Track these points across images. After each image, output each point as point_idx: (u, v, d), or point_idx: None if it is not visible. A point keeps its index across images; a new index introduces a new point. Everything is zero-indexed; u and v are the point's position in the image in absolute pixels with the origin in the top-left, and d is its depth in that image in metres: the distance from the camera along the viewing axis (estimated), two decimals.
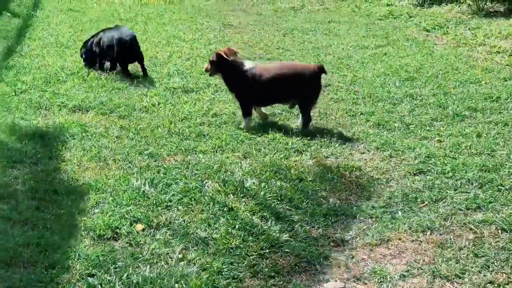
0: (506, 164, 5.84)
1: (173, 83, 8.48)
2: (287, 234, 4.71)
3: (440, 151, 6.19)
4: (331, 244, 4.67)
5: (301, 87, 6.82)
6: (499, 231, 4.75)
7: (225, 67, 6.87)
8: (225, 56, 6.82)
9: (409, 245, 4.62)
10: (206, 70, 7.13)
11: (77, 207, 5.01)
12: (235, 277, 4.18)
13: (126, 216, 4.85)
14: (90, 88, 8.19)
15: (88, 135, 6.55)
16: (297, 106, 7.02)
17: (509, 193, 5.30)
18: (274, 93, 6.91)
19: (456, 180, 5.56)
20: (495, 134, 6.60)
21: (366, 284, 4.18)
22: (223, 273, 4.20)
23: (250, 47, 10.77)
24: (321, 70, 6.87)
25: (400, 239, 4.70)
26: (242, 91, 6.90)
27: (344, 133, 6.74)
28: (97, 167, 5.80)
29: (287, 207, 5.13)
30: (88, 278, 4.07)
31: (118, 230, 4.66)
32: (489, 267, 4.30)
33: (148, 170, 5.70)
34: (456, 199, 5.24)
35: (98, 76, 8.72)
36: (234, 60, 6.90)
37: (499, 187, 5.41)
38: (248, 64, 6.96)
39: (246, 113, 6.91)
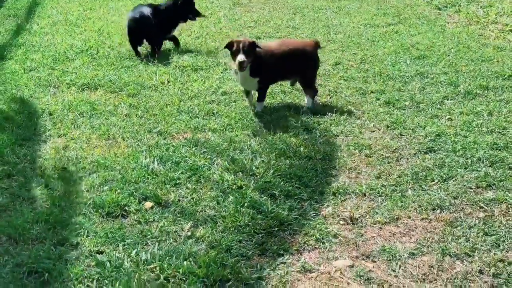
0: None
1: (182, 61, 8.43)
2: (296, 212, 4.70)
3: (450, 129, 6.14)
4: (341, 222, 4.65)
5: (305, 61, 6.84)
6: (510, 209, 4.72)
7: (254, 54, 6.42)
8: (256, 41, 6.54)
9: (419, 223, 4.60)
10: (243, 67, 6.36)
11: (86, 185, 5.01)
12: (244, 254, 4.18)
13: (135, 193, 4.85)
14: (99, 66, 8.17)
15: (97, 113, 6.54)
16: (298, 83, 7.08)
17: None
18: (284, 71, 6.84)
19: (467, 159, 5.52)
20: (507, 112, 6.56)
21: (375, 262, 4.17)
22: (232, 250, 4.20)
23: (260, 26, 10.71)
24: (317, 45, 6.97)
25: (409, 217, 4.68)
26: (265, 74, 6.61)
27: (354, 112, 6.69)
28: (106, 145, 5.79)
29: (296, 185, 5.11)
30: (97, 255, 4.08)
31: (127, 208, 4.66)
32: (499, 246, 4.28)
33: (157, 148, 5.69)
34: (466, 177, 5.21)
35: (107, 54, 8.69)
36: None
37: (510, 165, 5.37)
38: (262, 46, 6.70)
39: (264, 97, 6.76)
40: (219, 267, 3.96)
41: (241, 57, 6.28)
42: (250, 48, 6.34)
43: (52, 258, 4.03)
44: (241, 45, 6.31)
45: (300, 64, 6.80)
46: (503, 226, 4.51)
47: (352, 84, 7.59)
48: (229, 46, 6.49)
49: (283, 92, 7.32)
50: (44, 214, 4.52)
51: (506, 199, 4.83)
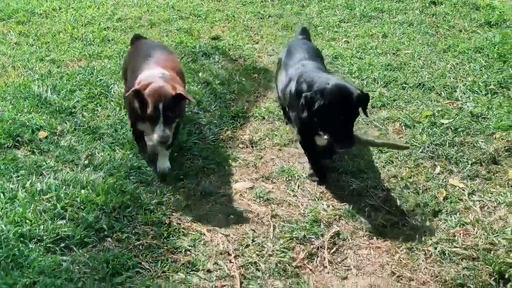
0: (410, 63, 5.95)
1: None
2: (196, 137, 4.68)
3: (347, 51, 6.23)
4: (240, 145, 4.67)
5: None
6: (403, 127, 4.86)
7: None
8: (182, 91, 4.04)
9: None
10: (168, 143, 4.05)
11: None
12: (143, 181, 4.14)
13: (27, 124, 4.67)
14: None
15: None
16: None
17: (412, 90, 5.42)
18: None
19: (363, 80, 5.63)
20: (400, 34, 6.70)
21: (274, 183, 4.23)
22: (131, 177, 4.15)
23: None
24: None
25: None
26: None
27: (253, 36, 6.67)
28: None
29: (195, 110, 5.07)
30: None
31: (19, 138, 4.49)
32: (393, 162, 4.41)
33: (50, 77, 5.49)
34: None
35: None
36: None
37: (403, 85, 5.52)
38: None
39: None
40: (118, 194, 3.91)
41: (162, 131, 3.93)
42: (175, 108, 3.99)
43: None
44: (160, 106, 3.89)
45: None
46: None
47: (250, 9, 7.53)
48: (139, 99, 3.98)
49: (180, 17, 7.18)
50: None
51: (399, 118, 4.97)
